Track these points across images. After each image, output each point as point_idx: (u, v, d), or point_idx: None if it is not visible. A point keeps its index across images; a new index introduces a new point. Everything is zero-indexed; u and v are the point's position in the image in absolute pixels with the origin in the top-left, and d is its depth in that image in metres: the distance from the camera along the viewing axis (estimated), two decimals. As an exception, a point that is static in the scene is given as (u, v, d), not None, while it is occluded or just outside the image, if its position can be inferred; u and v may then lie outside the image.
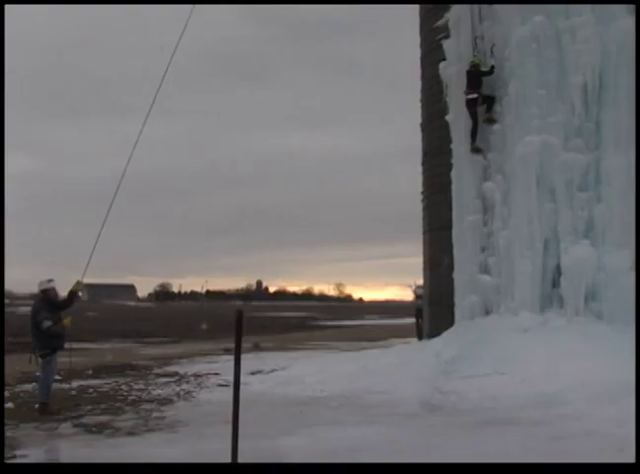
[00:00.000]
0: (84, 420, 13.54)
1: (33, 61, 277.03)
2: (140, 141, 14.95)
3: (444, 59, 21.84)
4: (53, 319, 14.45)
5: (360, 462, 9.60)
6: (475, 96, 20.14)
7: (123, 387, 18.00)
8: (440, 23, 22.47)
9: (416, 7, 25.49)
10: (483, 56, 20.51)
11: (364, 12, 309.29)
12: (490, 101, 20.18)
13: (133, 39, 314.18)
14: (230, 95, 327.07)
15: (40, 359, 14.40)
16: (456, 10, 21.37)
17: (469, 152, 20.46)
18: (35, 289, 15.25)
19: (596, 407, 13.12)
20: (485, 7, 20.70)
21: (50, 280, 14.98)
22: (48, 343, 14.37)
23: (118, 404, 15.42)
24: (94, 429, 12.68)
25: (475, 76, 20.24)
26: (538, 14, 19.13)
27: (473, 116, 20.38)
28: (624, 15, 18.62)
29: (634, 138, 18.22)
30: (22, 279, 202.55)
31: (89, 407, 14.98)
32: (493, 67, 20.22)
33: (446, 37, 21.87)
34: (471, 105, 20.30)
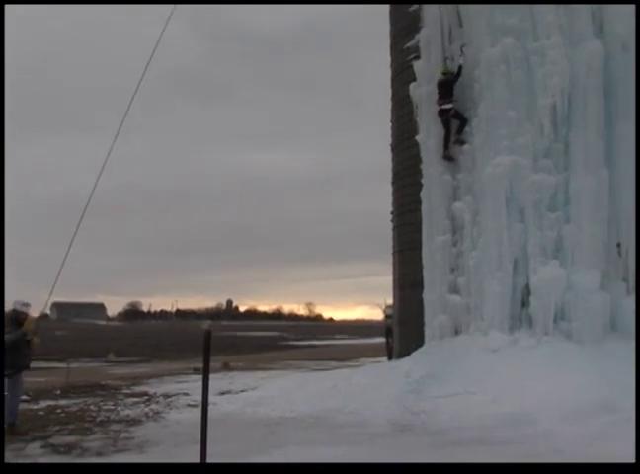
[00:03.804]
0: (52, 440, 13.39)
1: None
2: (102, 160, 14.82)
3: (415, 80, 21.92)
4: (16, 336, 14.27)
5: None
6: (450, 106, 20.23)
7: (92, 407, 17.84)
8: (410, 44, 22.58)
9: (386, 28, 25.65)
10: (452, 61, 20.64)
11: (321, 28, 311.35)
12: (462, 121, 20.25)
13: (97, 55, 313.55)
14: (185, 112, 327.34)
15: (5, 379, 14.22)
16: (427, 31, 21.48)
17: (439, 173, 20.52)
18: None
19: (565, 426, 13.17)
20: (455, 28, 20.83)
21: (27, 305, 14.83)
22: (13, 362, 14.19)
23: (86, 424, 15.27)
24: (62, 449, 12.55)
25: (447, 85, 20.36)
26: (507, 35, 19.28)
27: (446, 124, 20.47)
28: (592, 37, 18.82)
29: (602, 159, 18.43)
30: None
31: (57, 427, 14.83)
32: (461, 67, 20.31)
33: (417, 57, 21.97)
34: (444, 114, 20.39)
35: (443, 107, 20.32)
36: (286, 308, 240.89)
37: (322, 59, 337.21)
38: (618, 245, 18.50)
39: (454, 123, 20.38)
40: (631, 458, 9.55)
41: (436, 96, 20.60)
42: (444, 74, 20.43)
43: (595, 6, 18.96)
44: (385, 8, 25.87)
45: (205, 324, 9.15)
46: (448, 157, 20.45)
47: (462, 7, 20.60)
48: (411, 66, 22.14)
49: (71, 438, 13.56)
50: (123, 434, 13.98)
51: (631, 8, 18.46)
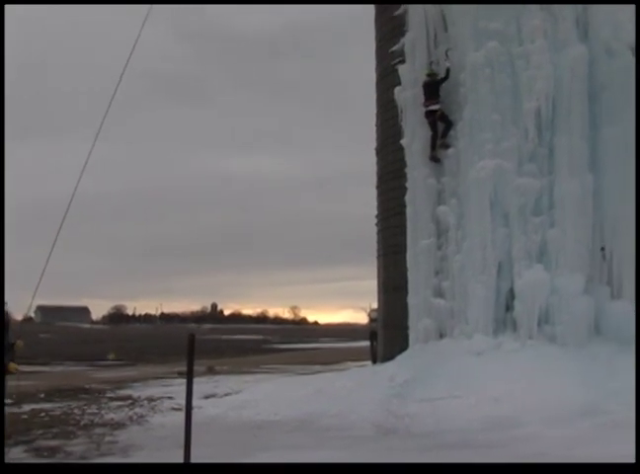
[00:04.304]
0: (35, 444, 13.33)
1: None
2: (82, 163, 14.72)
3: (400, 84, 21.94)
4: None
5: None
6: (437, 107, 20.26)
7: (76, 411, 17.76)
8: (395, 48, 22.60)
9: (371, 31, 25.70)
10: (437, 65, 20.69)
11: (304, 31, 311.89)
12: (447, 124, 20.28)
13: (77, 56, 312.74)
14: (168, 116, 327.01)
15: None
16: (412, 35, 21.51)
17: (424, 176, 20.52)
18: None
19: (550, 429, 13.20)
20: (440, 32, 20.86)
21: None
22: None
23: (70, 428, 15.20)
24: (45, 453, 12.49)
25: (433, 86, 20.38)
26: (492, 39, 19.33)
27: (433, 126, 20.49)
28: (576, 42, 18.89)
29: (587, 163, 18.51)
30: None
31: (40, 431, 14.75)
32: (448, 70, 20.32)
33: (402, 61, 22.00)
34: (431, 115, 20.44)
35: (430, 108, 20.34)
36: (271, 312, 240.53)
37: (305, 62, 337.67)
38: (602, 249, 18.56)
39: (440, 126, 20.41)
40: (616, 461, 9.58)
41: (421, 99, 20.61)
42: (429, 76, 20.46)
43: (580, 11, 19.04)
44: (370, 12, 25.90)
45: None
46: (435, 158, 20.47)
47: (447, 11, 20.62)
48: (396, 70, 22.15)
49: (55, 442, 13.49)
50: (107, 438, 13.92)
51: (615, 14, 18.63)
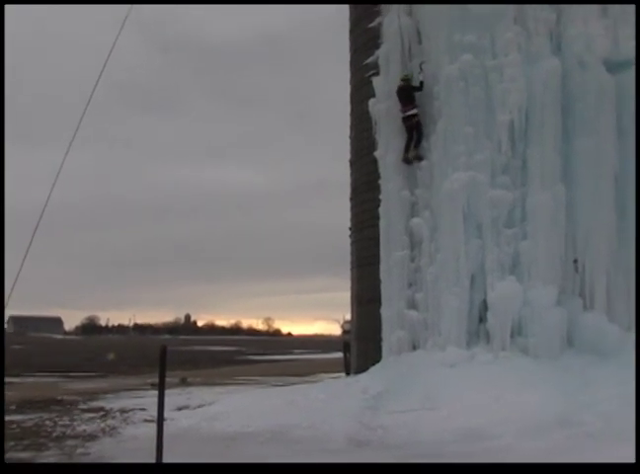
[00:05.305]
0: (6, 457, 13.15)
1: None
2: (54, 172, 14.61)
3: (374, 96, 21.99)
4: None
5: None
6: (415, 111, 20.33)
7: (48, 423, 17.56)
8: (369, 60, 22.64)
9: (345, 43, 25.73)
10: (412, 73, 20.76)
11: (277, 42, 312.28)
12: (419, 134, 20.34)
13: (42, 66, 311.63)
14: (139, 126, 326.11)
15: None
16: (386, 47, 21.57)
17: (397, 189, 20.56)
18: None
19: (523, 441, 13.20)
20: (415, 45, 20.94)
21: None
22: None
23: (41, 440, 15.01)
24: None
25: (408, 92, 20.46)
26: (466, 52, 19.42)
27: (409, 130, 20.55)
28: (549, 55, 19.03)
29: (559, 175, 18.61)
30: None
31: (11, 443, 14.52)
32: (422, 83, 20.42)
33: (376, 74, 22.05)
34: (409, 120, 20.49)
35: (408, 113, 20.39)
36: (245, 323, 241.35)
37: (277, 73, 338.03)
38: (575, 261, 18.65)
39: (415, 134, 20.44)
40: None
41: (396, 110, 20.65)
42: (404, 80, 20.51)
43: (553, 24, 19.19)
44: (345, 24, 25.93)
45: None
46: (408, 160, 20.51)
47: (422, 24, 20.74)
48: (370, 82, 22.18)
49: (26, 454, 13.31)
50: (79, 450, 13.77)
51: (587, 28, 18.81)
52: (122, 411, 19.59)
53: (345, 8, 25.98)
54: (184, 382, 29.34)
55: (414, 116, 20.39)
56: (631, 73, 18.63)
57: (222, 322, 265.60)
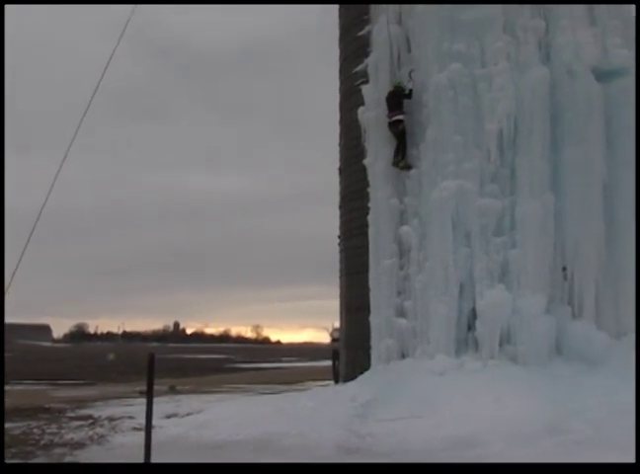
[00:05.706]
0: (-7, 465, 13.10)
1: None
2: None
3: (363, 104, 22.02)
4: None
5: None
6: (401, 117, 20.34)
7: (36, 431, 17.49)
8: (359, 68, 22.70)
9: (335, 52, 25.75)
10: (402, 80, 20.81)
11: (264, 50, 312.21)
12: (404, 143, 20.37)
13: (32, 73, 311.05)
14: (125, 133, 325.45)
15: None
16: (375, 55, 21.62)
17: (386, 197, 20.57)
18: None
19: (512, 448, 13.19)
20: (404, 53, 21.00)
21: None
22: None
23: (29, 448, 14.95)
24: (2, 474, 12.28)
25: (398, 98, 20.48)
26: (455, 61, 19.46)
27: (398, 135, 20.57)
28: (538, 64, 19.10)
29: (548, 183, 18.65)
30: None
31: (-2, 451, 14.51)
32: (411, 91, 20.48)
33: (365, 82, 22.09)
34: (396, 125, 20.52)
35: (394, 118, 20.41)
36: (234, 331, 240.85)
37: (264, 81, 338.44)
38: (564, 269, 18.67)
39: (402, 143, 20.46)
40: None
41: (384, 119, 20.68)
42: (396, 87, 20.55)
43: (541, 33, 19.28)
44: (334, 32, 25.95)
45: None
46: (396, 164, 20.51)
47: (411, 32, 20.80)
48: (359, 90, 22.24)
49: (13, 463, 13.27)
50: (67, 458, 13.71)
51: (576, 36, 18.90)
52: (111, 419, 19.52)
53: (331, 8, 26.03)
54: (172, 390, 29.25)
55: (400, 122, 20.41)
56: (620, 82, 18.78)
57: (211, 330, 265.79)
